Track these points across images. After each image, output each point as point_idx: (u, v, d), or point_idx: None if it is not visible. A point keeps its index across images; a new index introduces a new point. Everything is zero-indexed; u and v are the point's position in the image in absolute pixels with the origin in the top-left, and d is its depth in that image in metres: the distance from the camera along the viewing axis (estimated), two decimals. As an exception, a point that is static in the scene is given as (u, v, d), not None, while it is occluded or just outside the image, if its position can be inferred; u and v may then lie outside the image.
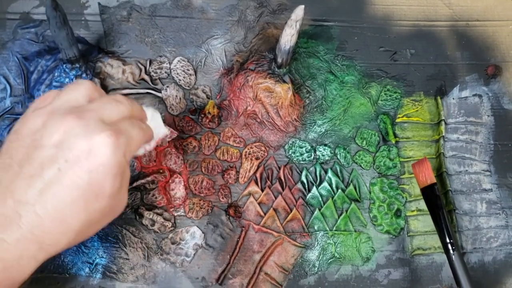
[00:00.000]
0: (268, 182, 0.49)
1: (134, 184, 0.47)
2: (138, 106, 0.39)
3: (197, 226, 0.47)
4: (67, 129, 0.33)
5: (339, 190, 0.50)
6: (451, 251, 0.44)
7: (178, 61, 0.51)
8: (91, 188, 0.33)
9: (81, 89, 0.36)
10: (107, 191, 0.33)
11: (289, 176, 0.50)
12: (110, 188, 0.33)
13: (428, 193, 0.47)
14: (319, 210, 0.49)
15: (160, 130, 0.43)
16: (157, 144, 0.44)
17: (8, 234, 0.31)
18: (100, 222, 0.35)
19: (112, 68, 0.50)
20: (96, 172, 0.33)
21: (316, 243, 0.48)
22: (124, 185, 0.35)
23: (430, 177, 0.46)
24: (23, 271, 0.32)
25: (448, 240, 0.45)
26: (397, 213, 0.50)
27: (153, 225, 0.47)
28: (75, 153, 0.32)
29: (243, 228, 0.48)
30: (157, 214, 0.47)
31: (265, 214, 0.48)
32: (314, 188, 0.49)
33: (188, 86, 0.51)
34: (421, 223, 0.50)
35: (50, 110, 0.34)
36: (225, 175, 0.49)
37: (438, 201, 0.46)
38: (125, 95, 0.49)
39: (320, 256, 0.48)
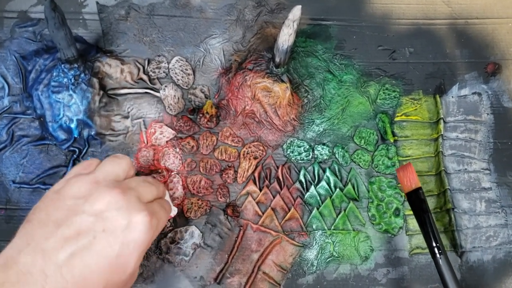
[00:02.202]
0: (266, 182, 0.49)
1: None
2: (163, 186, 0.42)
3: (196, 226, 0.47)
4: (111, 201, 0.35)
5: (337, 189, 0.49)
6: (438, 255, 0.43)
7: (177, 60, 0.51)
8: (118, 261, 0.35)
9: (123, 165, 0.39)
10: (130, 266, 0.36)
11: (287, 176, 0.50)
12: (133, 264, 0.36)
13: (413, 197, 0.46)
14: (317, 209, 0.49)
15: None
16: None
17: None
18: None
19: (110, 67, 0.50)
20: (127, 246, 0.35)
21: (315, 242, 0.48)
22: (139, 263, 0.37)
23: (414, 182, 0.45)
24: None
25: (434, 244, 0.44)
26: (396, 212, 0.50)
27: (151, 224, 0.47)
28: (114, 225, 0.35)
29: (241, 228, 0.48)
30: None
31: (263, 213, 0.48)
32: (312, 187, 0.49)
33: (187, 86, 0.51)
34: (420, 222, 0.50)
35: (94, 179, 0.37)
36: (223, 175, 0.49)
37: (424, 205, 0.45)
38: (124, 94, 0.50)
39: (319, 255, 0.48)
